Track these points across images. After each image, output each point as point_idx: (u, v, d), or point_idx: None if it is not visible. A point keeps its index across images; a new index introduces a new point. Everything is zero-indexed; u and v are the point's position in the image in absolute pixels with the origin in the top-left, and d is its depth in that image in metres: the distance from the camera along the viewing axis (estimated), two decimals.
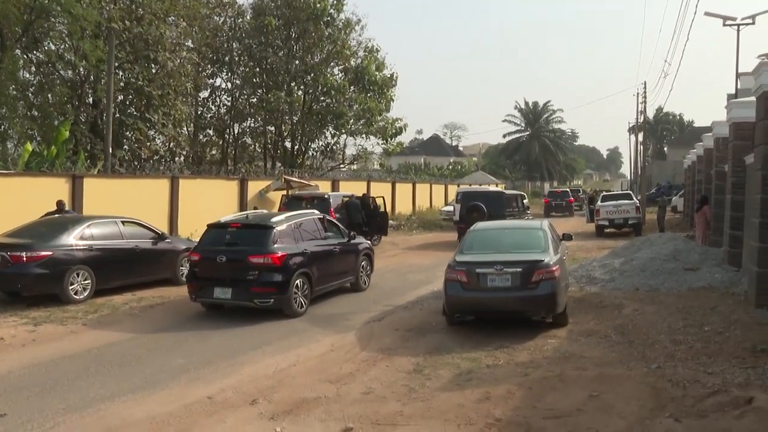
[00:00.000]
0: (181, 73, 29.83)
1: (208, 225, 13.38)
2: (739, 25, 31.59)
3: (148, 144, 30.18)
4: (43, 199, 16.97)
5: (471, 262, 10.85)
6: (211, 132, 38.28)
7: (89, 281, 13.46)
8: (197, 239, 19.99)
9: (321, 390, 7.94)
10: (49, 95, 26.98)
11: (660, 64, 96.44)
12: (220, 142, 38.87)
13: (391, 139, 39.02)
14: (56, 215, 15.56)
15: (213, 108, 37.92)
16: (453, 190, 44.28)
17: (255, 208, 24.84)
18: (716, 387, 7.22)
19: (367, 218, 23.49)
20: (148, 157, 29.77)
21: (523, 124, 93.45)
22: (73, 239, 13.44)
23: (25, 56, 26.23)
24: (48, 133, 25.25)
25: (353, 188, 31.15)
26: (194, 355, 9.71)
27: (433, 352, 9.60)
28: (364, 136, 38.93)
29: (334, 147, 40.33)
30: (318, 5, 34.66)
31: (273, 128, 38.21)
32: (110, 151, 23.25)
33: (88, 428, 6.89)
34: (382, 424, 6.81)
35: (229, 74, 37.45)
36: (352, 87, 36.61)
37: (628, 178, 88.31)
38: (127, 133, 28.82)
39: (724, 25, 31.83)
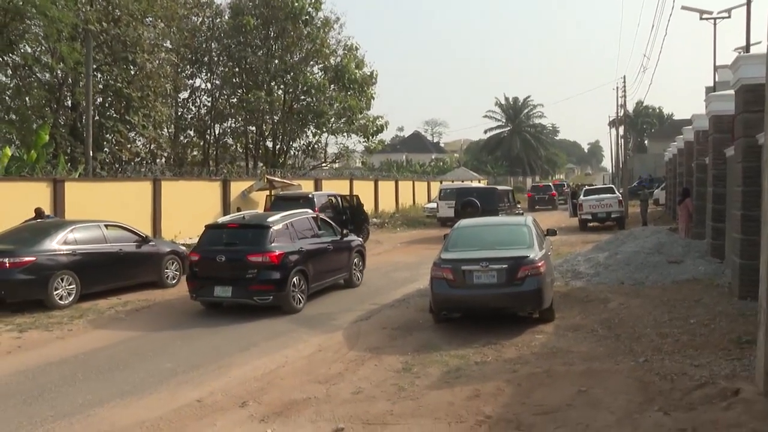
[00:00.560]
0: (160, 74, 29.63)
1: (206, 226, 13.74)
2: (715, 18, 31.91)
3: (129, 146, 29.92)
4: (24, 204, 16.83)
5: (456, 259, 10.88)
6: (191, 133, 38.07)
7: (74, 286, 13.35)
8: (181, 241, 20.12)
9: (310, 391, 7.93)
10: (27, 98, 26.67)
11: (639, 58, 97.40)
12: (201, 143, 38.68)
13: (373, 137, 39.00)
14: (38, 220, 15.43)
15: (193, 109, 37.74)
16: (436, 186, 44.41)
17: (238, 209, 24.73)
18: (703, 379, 7.30)
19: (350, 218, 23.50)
20: (129, 159, 29.56)
21: (504, 120, 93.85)
22: (57, 244, 13.31)
23: (0, 59, 25.90)
24: (27, 137, 24.97)
25: (336, 187, 31.16)
26: (182, 358, 9.66)
27: (421, 350, 9.61)
28: (345, 134, 38.91)
29: (316, 146, 40.25)
30: (296, 4, 34.53)
31: (254, 128, 38.05)
32: (91, 154, 23.08)
33: None
34: (372, 423, 6.82)
35: (209, 75, 37.28)
36: (332, 85, 36.54)
37: (610, 171, 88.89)
38: (108, 135, 28.57)
39: (701, 18, 32.13)
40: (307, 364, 9.25)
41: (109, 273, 14.25)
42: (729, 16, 31.62)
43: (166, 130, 34.48)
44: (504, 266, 10.44)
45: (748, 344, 8.35)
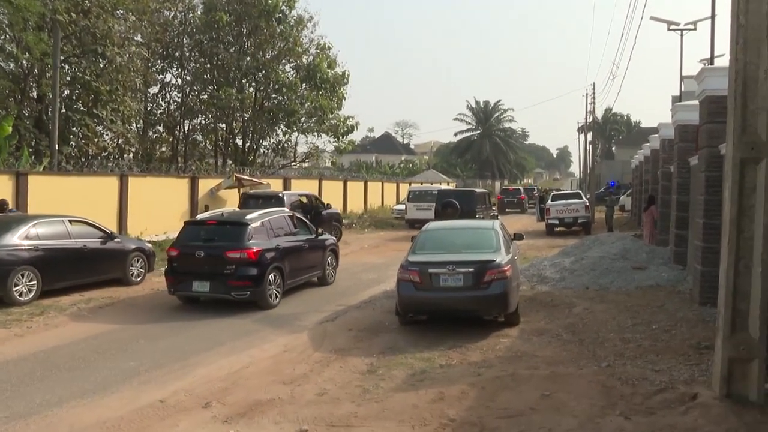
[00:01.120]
0: (130, 68, 29.25)
1: (185, 222, 14.19)
2: (682, 30, 32.49)
3: (96, 140, 29.48)
4: None
5: (423, 262, 10.91)
6: (161, 128, 37.63)
7: (35, 282, 13.09)
8: (147, 238, 19.90)
9: (275, 391, 7.89)
10: None
11: (609, 66, 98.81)
12: (170, 139, 38.25)
13: (343, 137, 38.94)
14: None
15: (163, 104, 37.31)
16: (405, 188, 44.50)
17: (206, 207, 24.56)
18: (663, 384, 7.41)
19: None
20: (96, 153, 29.12)
21: (474, 123, 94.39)
22: (18, 239, 13.05)
23: None
24: None
25: (305, 186, 31.10)
26: (146, 357, 9.55)
27: (387, 352, 9.62)
28: (315, 134, 38.78)
29: (286, 145, 40.07)
30: (269, 2, 34.35)
31: (224, 125, 37.78)
32: (56, 147, 22.71)
33: None
34: (336, 425, 6.80)
35: (180, 70, 36.90)
36: (303, 84, 36.40)
37: (578, 177, 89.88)
38: (74, 129, 28.14)
39: (669, 29, 32.69)
40: (272, 364, 9.21)
41: (72, 269, 14.01)
42: (695, 29, 32.27)
43: (134, 125, 34.10)
44: (470, 270, 10.50)
45: (707, 350, 8.51)
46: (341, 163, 57.72)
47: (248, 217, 13.60)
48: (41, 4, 24.36)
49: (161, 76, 36.61)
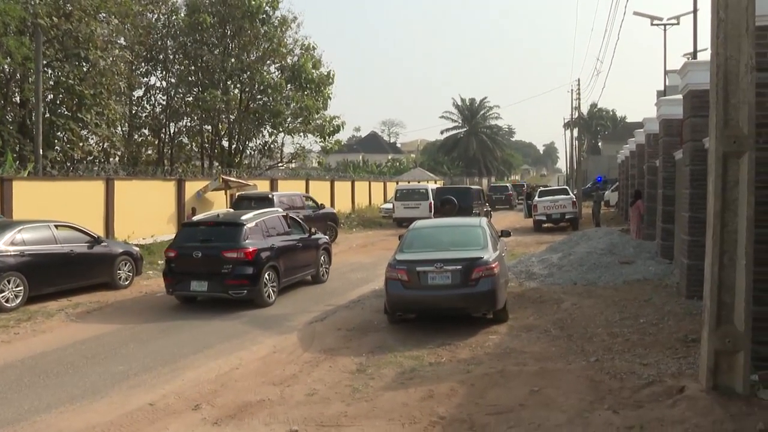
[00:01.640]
0: (113, 71, 29.04)
1: (182, 224, 14.57)
2: (665, 25, 32.69)
3: (81, 145, 29.29)
4: None
5: (411, 260, 10.93)
6: (146, 132, 37.39)
7: (21, 288, 13.03)
8: (134, 242, 19.82)
9: (265, 393, 7.89)
10: None
11: (593, 62, 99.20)
12: (156, 142, 38.04)
13: (329, 137, 38.86)
14: None
15: (148, 107, 37.08)
16: (392, 187, 44.53)
17: (193, 209, 24.50)
18: (651, 378, 7.46)
19: None
20: (81, 158, 28.96)
21: (460, 121, 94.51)
22: (3, 245, 12.97)
23: None
24: None
25: (292, 187, 31.02)
26: (134, 360, 9.52)
27: (376, 351, 9.63)
28: (301, 134, 38.65)
29: (272, 146, 39.92)
30: (253, 2, 34.20)
31: (210, 127, 37.60)
32: (41, 152, 22.51)
33: None
34: (326, 425, 6.81)
35: (164, 72, 36.67)
36: (288, 85, 36.29)
37: (565, 172, 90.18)
38: (59, 133, 27.90)
39: (652, 24, 32.88)
40: (261, 365, 9.20)
41: (59, 274, 13.96)
42: (678, 23, 32.46)
43: (119, 128, 33.85)
44: (458, 267, 10.53)
45: (694, 343, 8.57)
46: (328, 163, 57.55)
47: (244, 217, 13.87)
48: (22, 8, 24.18)
49: (145, 78, 36.40)
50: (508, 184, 58.09)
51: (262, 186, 29.17)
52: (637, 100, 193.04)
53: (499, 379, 7.92)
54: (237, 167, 34.72)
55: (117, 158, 33.79)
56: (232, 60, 35.49)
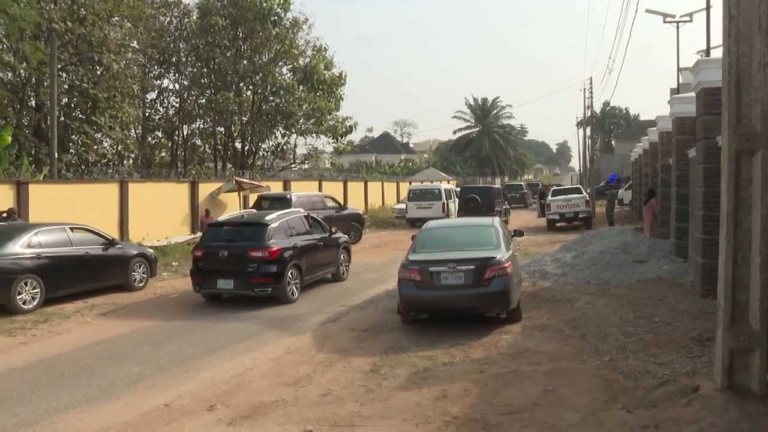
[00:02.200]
0: (127, 74, 29.28)
1: (208, 224, 15.25)
2: (678, 22, 32.50)
3: (96, 148, 29.49)
4: None
5: (424, 260, 10.93)
6: (159, 134, 37.70)
7: (38, 290, 13.15)
8: (149, 244, 19.94)
9: (278, 393, 7.92)
10: None
11: (605, 60, 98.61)
12: (170, 144, 38.32)
13: (342, 138, 38.98)
14: (1, 223, 15.22)
15: (161, 110, 37.39)
16: (405, 187, 44.51)
17: (207, 211, 24.61)
18: (665, 377, 7.43)
19: None
20: (95, 161, 29.17)
21: (473, 120, 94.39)
22: (20, 247, 13.09)
23: None
24: None
25: (305, 188, 31.07)
26: (149, 362, 9.59)
27: (389, 352, 9.65)
28: (314, 135, 38.83)
29: (285, 147, 40.11)
30: (264, 4, 34.39)
31: (222, 129, 37.83)
32: (56, 155, 22.72)
33: None
34: (340, 425, 6.84)
35: (177, 75, 36.93)
36: (301, 86, 36.42)
37: (578, 171, 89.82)
38: (73, 136, 28.16)
39: (665, 22, 32.72)
40: (275, 366, 9.24)
41: (74, 276, 14.06)
42: (691, 20, 32.27)
43: (133, 131, 34.12)
44: (471, 267, 10.52)
45: (709, 342, 8.52)
46: (341, 164, 57.74)
47: (268, 218, 14.39)
48: (37, 13, 24.40)
49: (158, 81, 36.70)
50: (522, 183, 58.86)
51: (275, 187, 29.24)
52: (651, 98, 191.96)
53: (512, 379, 7.91)
54: (250, 169, 34.87)
55: (131, 161, 34.01)
56: (245, 62, 35.66)
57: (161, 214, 23.15)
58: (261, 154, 39.57)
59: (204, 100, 36.36)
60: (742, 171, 6.71)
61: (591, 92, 46.28)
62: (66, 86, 27.60)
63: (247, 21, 34.85)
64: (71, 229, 14.53)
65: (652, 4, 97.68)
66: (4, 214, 16.01)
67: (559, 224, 29.90)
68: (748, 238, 6.69)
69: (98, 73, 28.25)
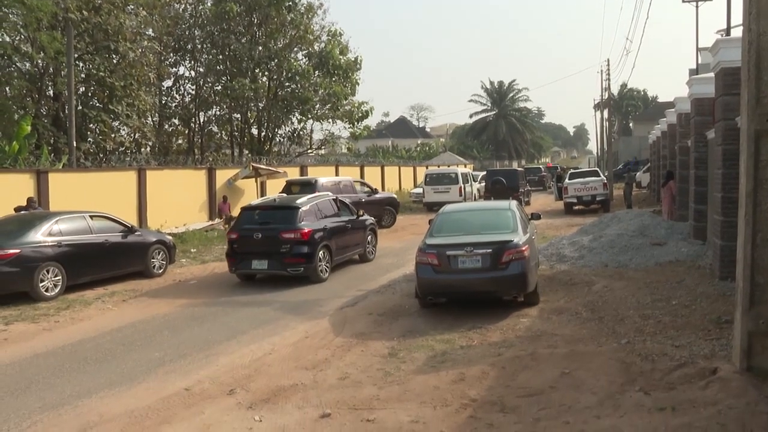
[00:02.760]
0: (143, 62, 29.44)
1: (242, 208, 15.65)
2: (697, 1, 32.09)
3: (113, 136, 29.77)
4: (8, 196, 16.79)
5: (441, 244, 10.93)
6: (176, 121, 37.88)
7: (60, 277, 13.33)
8: (167, 231, 20.11)
9: (297, 377, 8.00)
10: (7, 89, 26.44)
11: (622, 42, 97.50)
12: (186, 132, 38.51)
13: (358, 123, 39.00)
14: (23, 212, 15.40)
15: (177, 97, 37.58)
16: (422, 172, 44.47)
17: (224, 198, 24.76)
18: (683, 359, 7.42)
19: None
20: (113, 149, 29.43)
21: (489, 104, 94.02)
22: (41, 236, 13.26)
23: None
24: (8, 129, 24.77)
25: (322, 173, 31.16)
26: (170, 347, 9.70)
27: (407, 336, 9.70)
28: (330, 120, 38.84)
29: (301, 132, 40.18)
30: None
31: (239, 115, 37.93)
32: (74, 144, 22.94)
33: (66, 425, 6.87)
34: (359, 408, 6.89)
35: (192, 62, 37.06)
36: (316, 72, 36.39)
37: (595, 154, 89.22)
38: (91, 125, 28.42)
39: (683, 1, 32.32)
40: (293, 350, 9.32)
41: (95, 264, 14.23)
42: None
43: (150, 118, 34.34)
44: (488, 251, 10.51)
45: (727, 324, 8.49)
46: (357, 149, 57.70)
47: (299, 201, 15.03)
48: (53, 3, 24.55)
49: (174, 69, 36.85)
50: (541, 166, 58.96)
51: (291, 173, 29.30)
52: (669, 80, 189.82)
53: (529, 362, 7.93)
54: (267, 155, 34.99)
55: (148, 148, 34.25)
56: (260, 48, 35.67)
57: (179, 201, 23.33)
58: (277, 140, 39.69)
59: (220, 87, 36.47)
60: (761, 152, 6.65)
61: (608, 74, 45.94)
62: (83, 75, 27.81)
63: (262, 7, 34.84)
64: (91, 217, 14.69)
65: None
66: (24, 205, 16.18)
67: (577, 207, 29.75)
68: (766, 219, 6.64)
69: (114, 61, 28.42)
